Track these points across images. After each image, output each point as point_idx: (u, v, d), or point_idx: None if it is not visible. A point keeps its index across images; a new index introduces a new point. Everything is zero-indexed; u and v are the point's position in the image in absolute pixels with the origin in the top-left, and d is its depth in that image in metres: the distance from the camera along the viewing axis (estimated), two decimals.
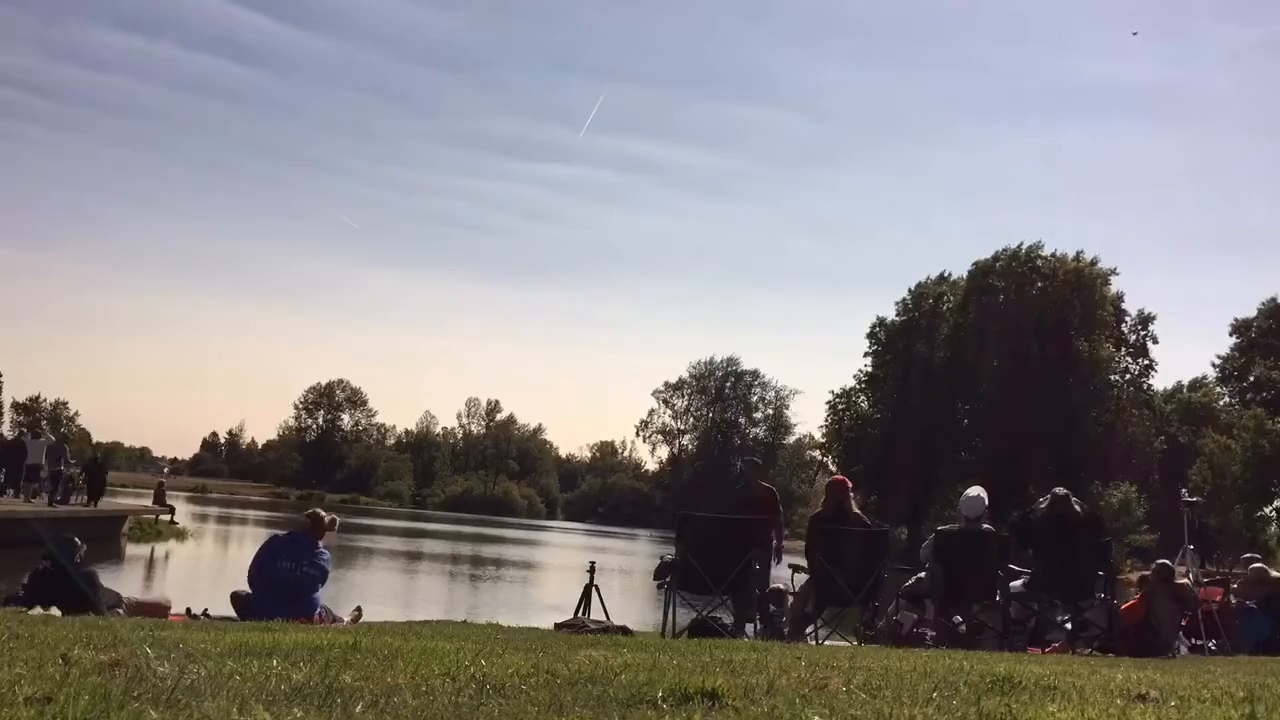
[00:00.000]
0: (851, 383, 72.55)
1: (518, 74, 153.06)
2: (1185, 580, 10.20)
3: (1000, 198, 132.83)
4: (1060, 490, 9.65)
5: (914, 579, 10.02)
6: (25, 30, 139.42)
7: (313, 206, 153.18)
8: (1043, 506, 9.61)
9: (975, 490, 9.93)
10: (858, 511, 9.92)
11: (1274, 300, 63.09)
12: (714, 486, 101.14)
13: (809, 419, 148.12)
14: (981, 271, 63.66)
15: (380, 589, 24.82)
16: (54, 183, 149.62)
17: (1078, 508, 9.59)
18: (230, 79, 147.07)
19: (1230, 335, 65.70)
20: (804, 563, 9.90)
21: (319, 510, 9.21)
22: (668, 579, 9.58)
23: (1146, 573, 10.52)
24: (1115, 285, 62.34)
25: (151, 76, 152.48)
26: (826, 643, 8.66)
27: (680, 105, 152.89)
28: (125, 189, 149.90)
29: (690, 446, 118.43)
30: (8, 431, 50.88)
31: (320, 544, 8.76)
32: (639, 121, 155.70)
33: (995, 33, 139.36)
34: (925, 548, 9.91)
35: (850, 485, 10.21)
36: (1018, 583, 9.36)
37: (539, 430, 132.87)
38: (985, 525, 9.76)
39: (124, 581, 16.61)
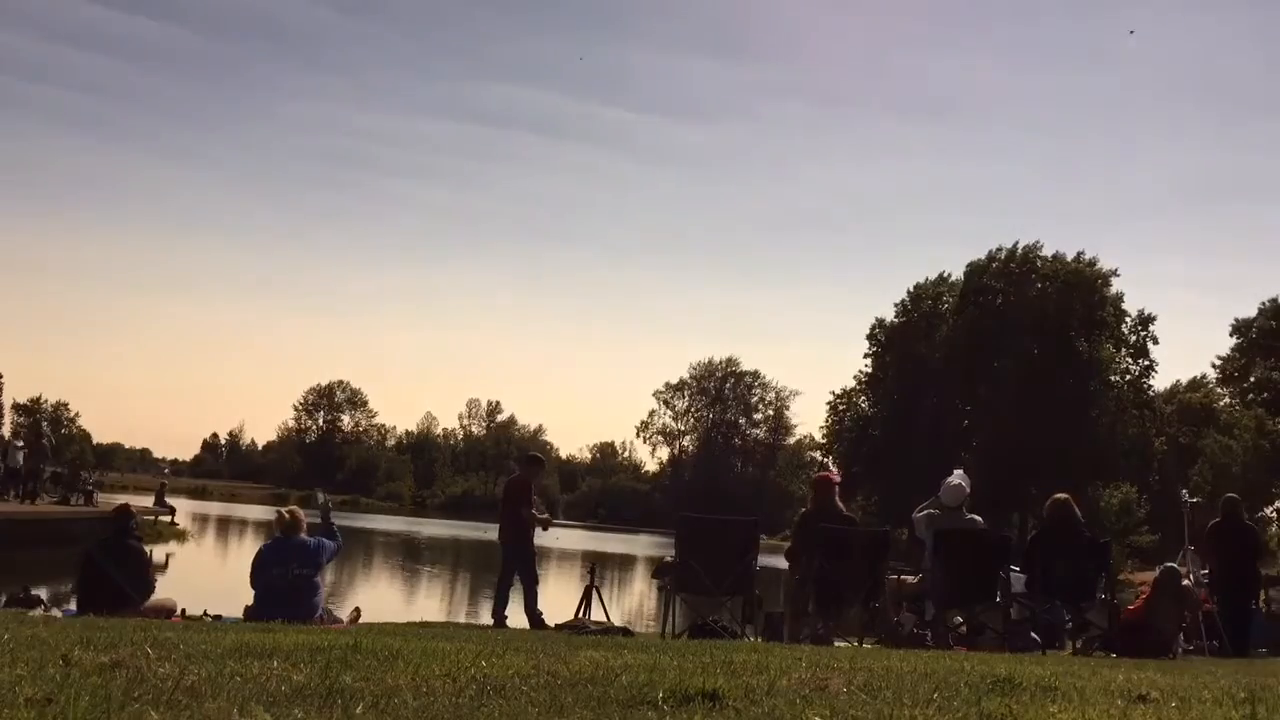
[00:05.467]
0: (851, 383, 72.64)
1: (514, 56, 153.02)
2: (1186, 581, 10.19)
3: (1003, 197, 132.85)
4: (1061, 495, 9.65)
5: (916, 578, 10.02)
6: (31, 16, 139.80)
7: (313, 206, 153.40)
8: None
9: (957, 479, 9.90)
10: (843, 509, 9.89)
11: (1274, 300, 62.97)
12: (714, 487, 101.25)
13: (809, 420, 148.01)
14: (977, 272, 63.56)
15: (380, 590, 24.85)
16: (53, 182, 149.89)
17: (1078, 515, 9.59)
18: (224, 69, 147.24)
19: (1230, 335, 65.65)
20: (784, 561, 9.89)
21: (282, 511, 9.15)
22: (668, 580, 9.58)
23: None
24: (1115, 286, 62.38)
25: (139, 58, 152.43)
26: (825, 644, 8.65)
27: (678, 91, 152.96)
28: (125, 188, 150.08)
29: (690, 447, 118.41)
30: (8, 432, 51.37)
31: (303, 537, 8.71)
32: (637, 107, 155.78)
33: (1005, 23, 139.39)
34: (922, 523, 9.84)
35: (837, 483, 10.17)
36: (1019, 583, 9.35)
37: (539, 431, 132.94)
38: (971, 515, 9.78)
39: None
